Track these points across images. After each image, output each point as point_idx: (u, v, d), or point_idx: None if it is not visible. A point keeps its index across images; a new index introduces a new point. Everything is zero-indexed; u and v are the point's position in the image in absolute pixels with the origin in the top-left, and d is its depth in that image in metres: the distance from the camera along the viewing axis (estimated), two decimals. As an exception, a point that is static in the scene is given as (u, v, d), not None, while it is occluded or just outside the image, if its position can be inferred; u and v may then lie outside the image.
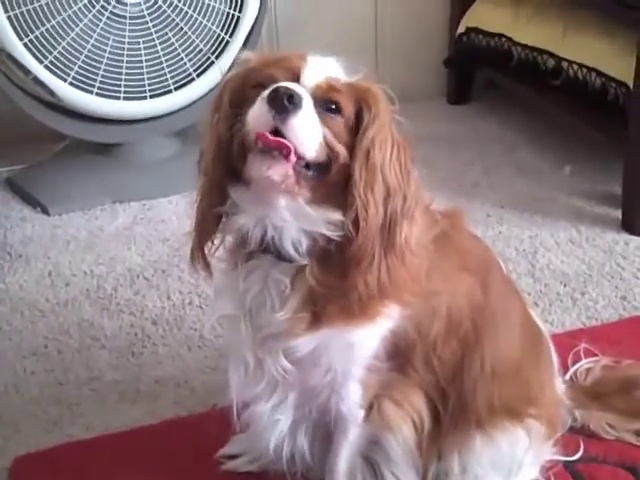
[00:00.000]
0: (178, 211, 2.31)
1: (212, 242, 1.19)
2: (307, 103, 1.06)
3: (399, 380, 1.24)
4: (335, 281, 1.12)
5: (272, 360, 1.19)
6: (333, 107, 1.09)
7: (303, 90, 1.07)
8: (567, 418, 1.45)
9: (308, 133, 1.06)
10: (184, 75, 2.46)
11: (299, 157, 1.06)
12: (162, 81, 2.43)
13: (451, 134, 2.86)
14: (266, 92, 1.06)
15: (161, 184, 2.42)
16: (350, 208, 1.08)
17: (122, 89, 2.39)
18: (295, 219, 1.11)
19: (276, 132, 1.05)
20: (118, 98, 2.39)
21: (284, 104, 1.04)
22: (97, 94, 2.36)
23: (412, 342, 1.21)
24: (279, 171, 1.06)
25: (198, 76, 2.47)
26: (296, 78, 1.09)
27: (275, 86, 1.05)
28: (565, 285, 1.95)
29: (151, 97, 2.43)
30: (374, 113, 1.09)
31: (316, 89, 1.08)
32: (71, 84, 2.32)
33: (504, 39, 2.74)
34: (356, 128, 1.10)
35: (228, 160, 1.12)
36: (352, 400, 1.23)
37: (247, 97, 1.10)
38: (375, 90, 1.12)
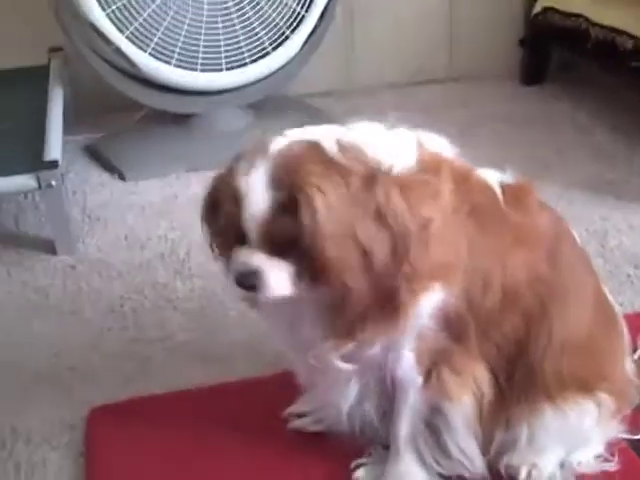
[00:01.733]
0: (250, 181, 2.35)
1: None
2: (266, 273, 1.13)
3: (458, 350, 1.25)
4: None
5: (330, 367, 1.23)
6: (282, 240, 1.11)
7: (256, 258, 1.13)
8: (635, 396, 1.43)
9: (278, 292, 1.14)
10: (260, 48, 2.50)
11: None
12: (238, 54, 2.48)
13: (523, 115, 2.83)
14: (231, 275, 1.16)
15: (234, 154, 2.46)
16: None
17: (199, 61, 2.44)
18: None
19: None
20: (195, 69, 2.44)
21: (246, 288, 1.16)
22: (175, 65, 2.41)
23: (464, 316, 1.22)
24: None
25: (273, 49, 2.51)
26: (242, 232, 1.12)
27: (236, 275, 1.15)
28: (636, 267, 1.94)
29: (227, 69, 2.48)
30: (304, 216, 1.08)
31: (259, 242, 1.12)
32: (151, 55, 2.38)
33: (582, 19, 2.70)
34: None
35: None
36: (406, 365, 1.25)
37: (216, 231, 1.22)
38: (301, 185, 1.09)
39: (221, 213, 1.15)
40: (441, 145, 1.23)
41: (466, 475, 1.32)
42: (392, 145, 1.17)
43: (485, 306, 1.22)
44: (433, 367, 1.26)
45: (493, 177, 1.26)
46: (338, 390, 1.30)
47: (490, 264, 1.21)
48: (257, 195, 1.10)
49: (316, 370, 1.26)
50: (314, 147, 1.13)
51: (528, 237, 1.24)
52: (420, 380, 1.27)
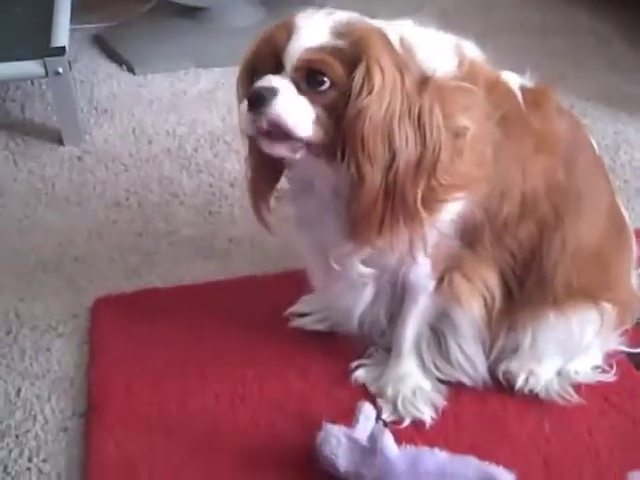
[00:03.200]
0: (261, 79, 2.31)
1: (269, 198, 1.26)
2: (282, 94, 1.06)
3: (471, 256, 1.25)
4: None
5: (349, 269, 1.23)
6: (319, 79, 1.07)
7: (279, 80, 1.07)
8: (637, 311, 1.44)
9: (290, 121, 1.08)
10: (275, -59, 2.43)
11: (297, 139, 1.09)
12: (252, -54, 2.41)
13: (542, 23, 2.76)
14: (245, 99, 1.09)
15: (244, 51, 2.42)
16: (347, 173, 1.09)
17: (212, -49, 2.37)
18: (318, 177, 1.18)
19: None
20: (207, -40, 2.38)
21: (256, 106, 1.07)
22: (187, -46, 2.35)
23: (480, 223, 1.22)
24: (283, 151, 1.11)
25: (289, -57, 2.43)
26: (280, 60, 1.07)
27: (250, 89, 1.08)
28: (646, 182, 1.93)
29: (240, -38, 2.41)
30: (365, 79, 1.05)
31: (296, 68, 1.07)
32: (162, -58, 2.31)
33: None
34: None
35: None
36: (421, 271, 1.26)
37: (248, 79, 1.14)
38: (369, 50, 1.06)
39: (267, 46, 1.10)
40: (474, 51, 1.21)
41: (465, 381, 1.34)
42: (438, 48, 1.15)
43: (502, 213, 1.22)
44: (445, 273, 1.26)
45: (515, 81, 1.24)
46: (354, 294, 1.30)
47: (511, 172, 1.20)
48: (314, 30, 1.08)
49: (334, 273, 1.26)
50: (381, 31, 1.11)
51: (547, 144, 1.23)
52: (432, 285, 1.27)
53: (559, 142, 1.25)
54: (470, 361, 1.32)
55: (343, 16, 1.10)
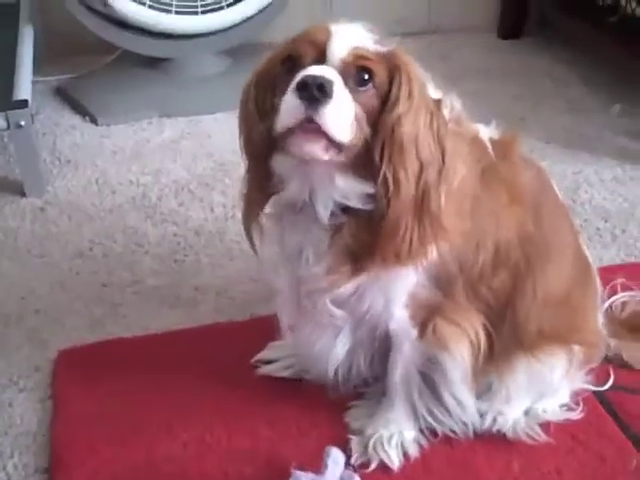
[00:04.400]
0: (224, 128, 2.31)
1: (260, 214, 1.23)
2: (338, 87, 1.05)
3: (452, 304, 1.24)
4: (371, 240, 1.14)
5: (320, 310, 1.23)
6: (365, 77, 1.08)
7: (331, 72, 1.06)
8: (603, 349, 1.44)
9: (341, 118, 1.06)
10: (237, -8, 2.46)
11: (332, 141, 1.07)
12: (214, -3, 2.43)
13: (501, 68, 2.82)
14: (294, 82, 1.05)
15: (209, 101, 2.43)
16: (378, 183, 1.09)
17: (174, 3, 2.39)
18: (327, 188, 1.13)
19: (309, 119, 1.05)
20: (170, 12, 2.40)
21: (314, 95, 1.03)
22: (149, 6, 2.36)
23: (453, 275, 1.22)
24: (317, 149, 1.07)
25: (250, -6, 2.46)
26: (322, 53, 1.07)
27: (303, 76, 1.04)
28: (606, 221, 1.95)
29: (203, 13, 2.43)
30: (404, 88, 1.08)
31: (344, 63, 1.07)
32: (124, -6, 2.33)
33: (561, -28, 2.68)
34: (386, 97, 1.08)
35: (268, 136, 1.12)
36: (401, 320, 1.24)
37: (277, 74, 1.12)
38: (406, 60, 1.10)
39: (307, 41, 1.09)
40: (458, 106, 1.22)
41: (456, 429, 1.32)
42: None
43: (478, 264, 1.22)
44: (428, 320, 1.25)
45: (484, 133, 1.26)
46: (326, 340, 1.29)
47: (486, 224, 1.21)
48: (355, 30, 1.10)
49: (305, 314, 1.25)
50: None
51: (518, 195, 1.24)
52: (415, 333, 1.26)
53: (528, 193, 1.26)
54: (462, 407, 1.30)
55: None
